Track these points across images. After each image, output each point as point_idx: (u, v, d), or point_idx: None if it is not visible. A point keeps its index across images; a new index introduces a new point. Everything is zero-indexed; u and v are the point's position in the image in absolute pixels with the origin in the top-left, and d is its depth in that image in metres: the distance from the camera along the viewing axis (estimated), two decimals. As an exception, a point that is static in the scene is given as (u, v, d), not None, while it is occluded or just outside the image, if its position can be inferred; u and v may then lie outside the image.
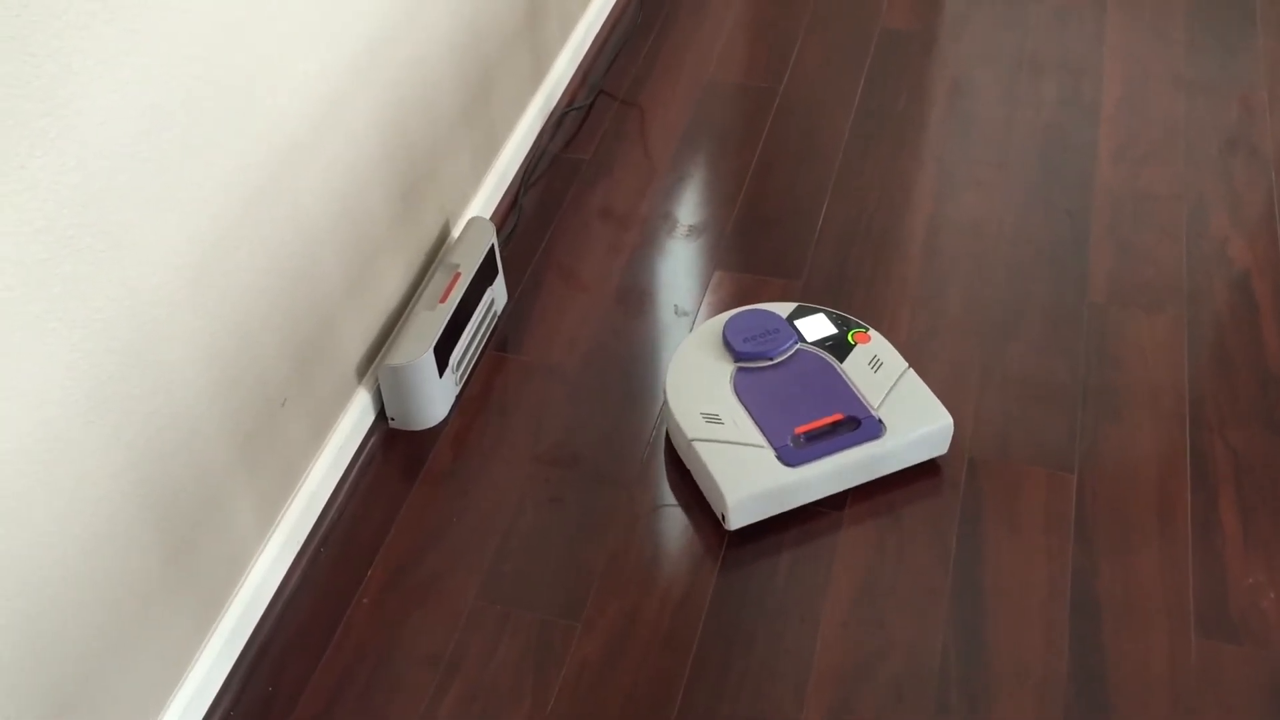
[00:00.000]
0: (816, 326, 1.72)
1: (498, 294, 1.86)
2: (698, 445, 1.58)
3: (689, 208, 2.05)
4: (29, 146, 1.02)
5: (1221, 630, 1.47)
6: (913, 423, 1.61)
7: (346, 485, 1.66)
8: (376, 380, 1.71)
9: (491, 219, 2.03)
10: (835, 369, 1.67)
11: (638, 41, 2.40)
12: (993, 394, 1.74)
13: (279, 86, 1.38)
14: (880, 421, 1.61)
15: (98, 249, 1.13)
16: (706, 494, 1.60)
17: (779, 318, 1.72)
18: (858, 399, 1.63)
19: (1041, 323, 1.84)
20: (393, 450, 1.70)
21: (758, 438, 1.59)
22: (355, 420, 1.68)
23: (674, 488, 1.64)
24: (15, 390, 1.06)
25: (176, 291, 1.26)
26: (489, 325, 1.84)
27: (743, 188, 2.09)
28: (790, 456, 1.57)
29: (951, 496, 1.62)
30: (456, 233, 1.92)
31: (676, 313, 1.87)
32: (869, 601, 1.52)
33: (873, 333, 1.72)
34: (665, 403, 1.65)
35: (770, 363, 1.67)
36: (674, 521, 1.61)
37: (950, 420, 1.62)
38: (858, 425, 1.60)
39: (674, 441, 1.67)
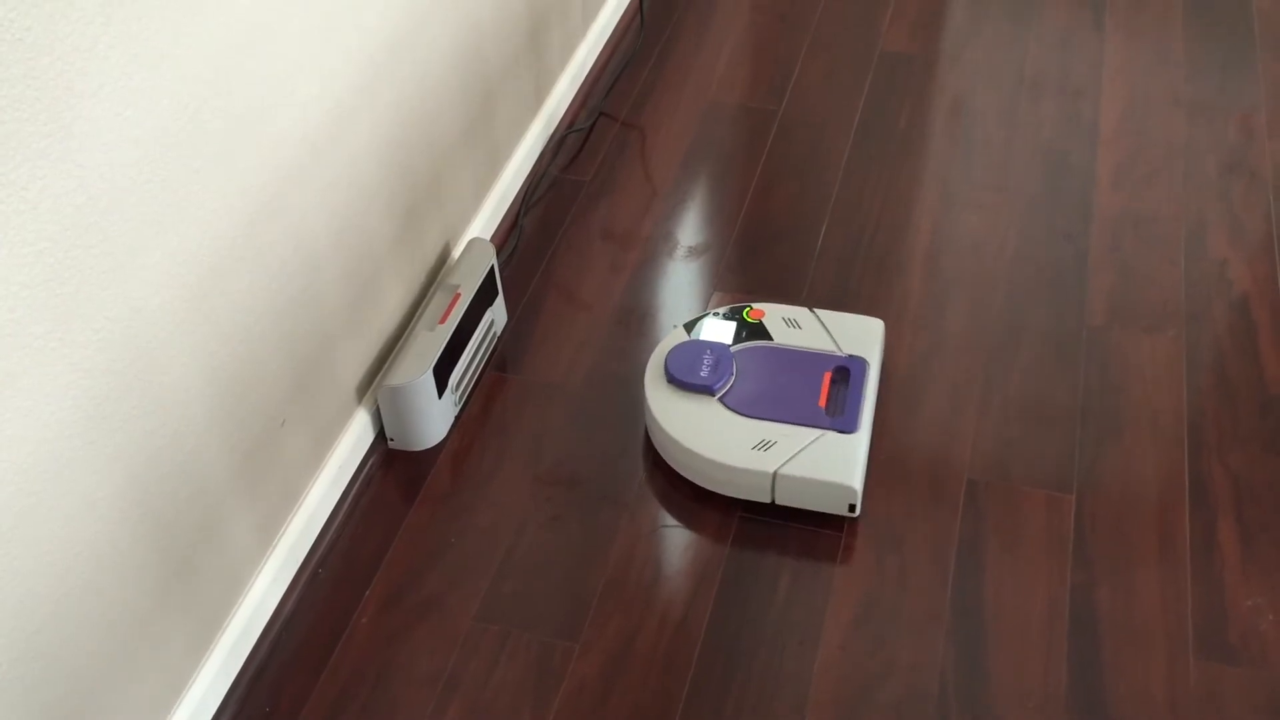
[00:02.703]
0: (721, 329, 1.76)
1: (498, 314, 1.87)
2: (784, 471, 1.58)
3: (690, 228, 2.06)
4: (30, 168, 1.03)
5: (1220, 652, 1.47)
6: (869, 342, 1.74)
7: (346, 505, 1.66)
8: (376, 400, 1.71)
9: (492, 240, 2.04)
10: (777, 347, 1.72)
11: (639, 63, 2.41)
12: (992, 415, 1.74)
13: (281, 109, 1.39)
14: (854, 356, 1.70)
15: (99, 269, 1.13)
16: (814, 505, 1.61)
17: (697, 341, 1.73)
18: (822, 354, 1.71)
19: (1041, 344, 1.84)
20: (392, 470, 1.70)
21: (809, 432, 1.62)
22: (355, 440, 1.68)
23: (674, 508, 1.64)
24: (17, 409, 1.07)
25: (177, 311, 1.26)
26: (489, 346, 1.84)
27: (743, 208, 2.09)
28: (845, 425, 1.62)
29: (950, 518, 1.62)
30: (457, 253, 1.92)
31: (676, 333, 1.88)
32: (868, 623, 1.51)
33: (759, 304, 1.79)
34: (710, 464, 1.61)
35: (734, 378, 1.68)
36: (674, 542, 1.61)
37: (880, 321, 1.77)
38: (848, 372, 1.68)
39: (746, 490, 1.62)
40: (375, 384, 1.72)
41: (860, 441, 1.61)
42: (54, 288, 1.08)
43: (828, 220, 2.06)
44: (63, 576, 1.17)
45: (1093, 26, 2.47)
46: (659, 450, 1.69)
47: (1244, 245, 1.99)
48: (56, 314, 1.09)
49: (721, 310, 1.79)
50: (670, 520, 1.63)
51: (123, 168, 1.14)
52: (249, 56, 1.31)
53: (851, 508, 1.59)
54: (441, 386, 1.70)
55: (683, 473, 1.66)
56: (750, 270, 1.98)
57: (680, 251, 2.02)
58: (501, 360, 1.85)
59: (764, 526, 1.62)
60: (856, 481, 1.57)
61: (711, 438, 1.63)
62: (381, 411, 1.70)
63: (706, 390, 1.67)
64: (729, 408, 1.65)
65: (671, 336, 1.76)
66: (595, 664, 1.48)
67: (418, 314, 1.77)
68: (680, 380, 1.67)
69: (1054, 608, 1.52)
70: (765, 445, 1.61)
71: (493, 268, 1.82)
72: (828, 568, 1.57)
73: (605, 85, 2.36)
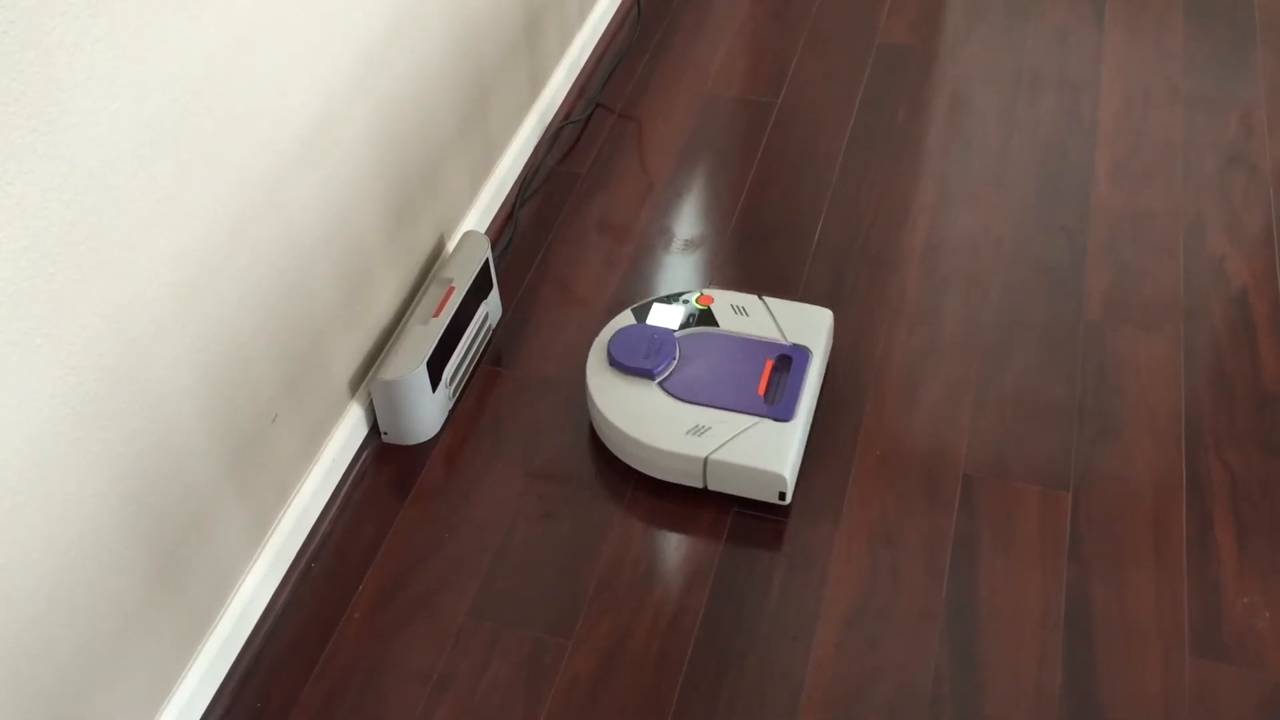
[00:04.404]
0: (668, 315, 1.76)
1: (492, 308, 1.86)
2: (715, 458, 1.58)
3: (685, 222, 2.05)
4: (16, 163, 1.02)
5: (1216, 650, 1.47)
6: (816, 333, 1.73)
7: (338, 501, 1.65)
8: (369, 395, 1.70)
9: (487, 233, 2.03)
10: (723, 334, 1.72)
11: (635, 55, 2.40)
12: (988, 412, 1.74)
13: (274, 102, 1.38)
14: (798, 345, 1.70)
15: (86, 265, 1.13)
16: (745, 491, 1.61)
17: (644, 326, 1.73)
18: (767, 342, 1.70)
19: (1038, 341, 1.83)
20: (385, 465, 1.70)
21: (744, 419, 1.62)
22: (347, 435, 1.67)
23: (667, 505, 1.64)
24: (2, 405, 1.06)
25: (167, 306, 1.25)
26: (483, 340, 1.84)
27: (739, 202, 2.08)
28: (781, 413, 1.62)
29: (945, 515, 1.61)
30: (451, 246, 1.91)
31: (672, 328, 1.87)
32: (862, 622, 1.51)
33: (708, 290, 1.79)
34: (643, 448, 1.62)
35: (675, 363, 1.68)
36: (667, 539, 1.60)
37: (829, 312, 1.76)
38: (789, 361, 1.68)
39: (678, 474, 1.63)
40: (369, 378, 1.71)
41: (795, 429, 1.61)
42: (40, 283, 1.07)
43: (824, 215, 2.05)
44: (50, 573, 1.16)
45: (1092, 21, 2.46)
46: (597, 433, 1.69)
47: (1243, 241, 1.98)
48: (43, 309, 1.08)
49: (672, 296, 1.78)
50: (663, 517, 1.63)
51: (111, 162, 1.13)
52: (241, 49, 1.30)
53: (781, 495, 1.59)
54: (435, 380, 1.69)
55: (620, 456, 1.66)
56: (746, 264, 1.97)
57: (676, 245, 2.01)
58: (496, 354, 1.84)
59: (758, 523, 1.61)
60: (787, 469, 1.57)
61: (646, 421, 1.62)
62: (375, 406, 1.69)
63: (646, 374, 1.67)
64: (668, 392, 1.65)
65: (618, 320, 1.76)
66: (588, 662, 1.48)
67: (411, 307, 1.76)
68: (621, 363, 1.67)
69: (1049, 606, 1.51)
70: (699, 431, 1.60)
71: (487, 261, 1.81)
72: (822, 565, 1.57)
73: (602, 77, 2.35)
